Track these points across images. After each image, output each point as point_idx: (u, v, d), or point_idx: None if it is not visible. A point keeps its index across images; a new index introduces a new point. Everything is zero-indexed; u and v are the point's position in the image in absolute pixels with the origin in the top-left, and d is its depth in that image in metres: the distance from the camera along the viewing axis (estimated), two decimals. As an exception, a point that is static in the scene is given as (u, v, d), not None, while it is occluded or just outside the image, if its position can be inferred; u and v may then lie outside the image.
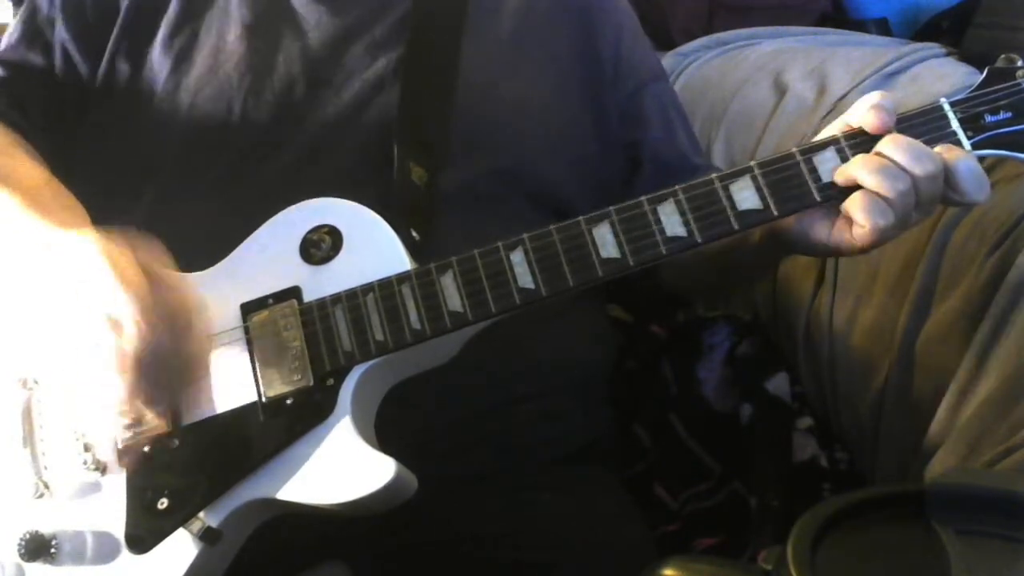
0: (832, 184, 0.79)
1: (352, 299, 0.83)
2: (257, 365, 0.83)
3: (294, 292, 0.85)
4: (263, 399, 0.82)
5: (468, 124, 0.98)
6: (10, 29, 1.09)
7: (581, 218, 0.81)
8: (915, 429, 0.99)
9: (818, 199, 0.79)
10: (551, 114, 1.03)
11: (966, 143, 0.79)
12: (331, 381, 0.82)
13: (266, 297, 0.85)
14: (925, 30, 1.58)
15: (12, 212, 0.89)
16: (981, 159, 0.79)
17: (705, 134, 1.38)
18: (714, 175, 0.80)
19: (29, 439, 0.87)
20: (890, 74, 1.26)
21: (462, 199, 0.96)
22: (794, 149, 0.80)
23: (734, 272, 1.07)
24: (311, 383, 0.82)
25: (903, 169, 0.76)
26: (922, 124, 0.80)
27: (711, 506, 1.11)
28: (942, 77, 1.21)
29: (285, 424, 0.81)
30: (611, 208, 0.81)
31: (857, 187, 0.78)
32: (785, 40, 1.48)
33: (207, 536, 0.80)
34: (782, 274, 1.22)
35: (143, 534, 0.81)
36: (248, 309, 0.85)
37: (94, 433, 0.85)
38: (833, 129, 0.82)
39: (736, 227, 0.79)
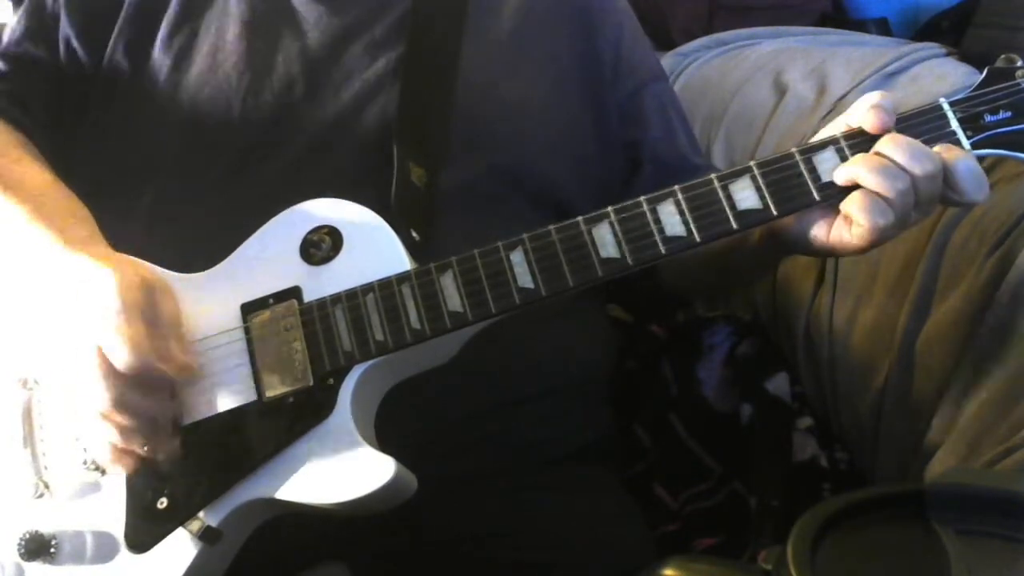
0: (831, 184, 0.79)
1: (352, 299, 0.83)
2: (257, 365, 0.83)
3: (294, 292, 0.85)
4: (263, 399, 0.82)
5: (468, 124, 0.98)
6: (13, 24, 1.08)
7: (581, 218, 0.81)
8: (915, 429, 0.99)
9: (817, 199, 0.79)
10: (551, 114, 1.03)
11: (965, 143, 0.79)
12: (331, 381, 0.82)
13: (266, 297, 0.85)
14: (925, 30, 1.58)
15: (19, 223, 0.89)
16: (981, 159, 0.79)
17: (705, 134, 1.38)
18: (714, 175, 0.80)
19: (29, 439, 0.87)
20: (890, 74, 1.26)
21: (462, 199, 0.96)
22: (794, 149, 0.80)
23: (734, 272, 1.07)
24: (311, 383, 0.82)
25: (902, 169, 0.76)
26: (922, 124, 0.80)
27: (711, 506, 1.11)
28: (942, 77, 1.21)
29: (285, 424, 0.81)
30: (611, 208, 0.81)
31: (856, 187, 0.78)
32: (785, 40, 1.48)
33: (207, 536, 0.80)
34: (782, 274, 1.22)
35: (143, 534, 0.81)
36: (248, 309, 0.85)
37: (89, 440, 0.85)
38: (833, 129, 0.82)
39: (736, 227, 0.79)
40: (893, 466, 1.03)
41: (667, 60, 1.50)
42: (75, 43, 1.04)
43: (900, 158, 0.76)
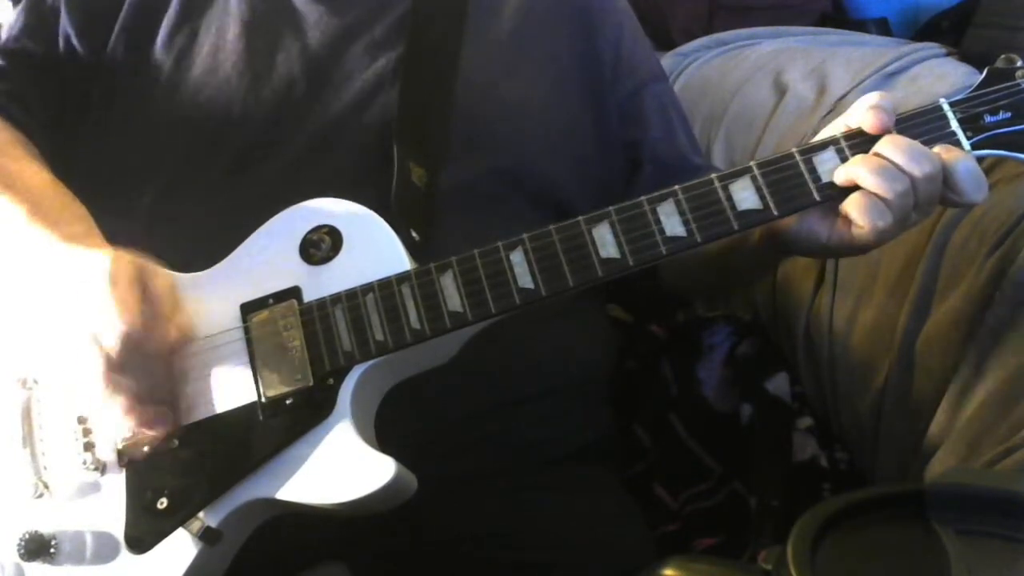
0: (832, 184, 0.79)
1: (352, 299, 0.83)
2: (257, 365, 0.83)
3: (294, 292, 0.85)
4: (263, 399, 0.82)
5: (468, 124, 0.98)
6: (12, 19, 1.08)
7: (581, 218, 0.81)
8: (915, 429, 0.99)
9: (817, 199, 0.79)
10: (551, 114, 1.03)
11: (965, 143, 0.79)
12: (331, 381, 0.82)
13: (266, 297, 0.85)
14: (925, 30, 1.58)
15: (18, 222, 0.89)
16: (980, 159, 0.79)
17: (705, 134, 1.38)
18: (714, 175, 0.80)
19: (29, 439, 0.87)
20: (890, 74, 1.26)
21: (462, 199, 0.96)
22: (794, 149, 0.80)
23: (734, 272, 1.07)
24: (311, 383, 0.82)
25: (901, 170, 0.76)
26: (922, 124, 0.80)
27: (711, 506, 1.11)
28: (942, 77, 1.21)
29: (285, 424, 0.81)
30: (611, 208, 0.81)
31: (856, 187, 0.78)
32: (785, 40, 1.48)
33: (207, 536, 0.80)
34: (782, 274, 1.22)
35: (143, 534, 0.81)
36: (248, 309, 0.85)
37: (100, 429, 0.85)
38: (833, 129, 0.82)
39: (736, 227, 0.79)
40: (893, 466, 1.03)
41: (667, 60, 1.50)
42: (75, 41, 1.04)
43: (899, 159, 0.76)
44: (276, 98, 0.99)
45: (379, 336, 0.81)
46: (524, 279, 0.80)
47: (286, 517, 0.83)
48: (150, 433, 0.83)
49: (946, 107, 0.80)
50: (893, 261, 1.07)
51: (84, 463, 0.85)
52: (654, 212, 0.80)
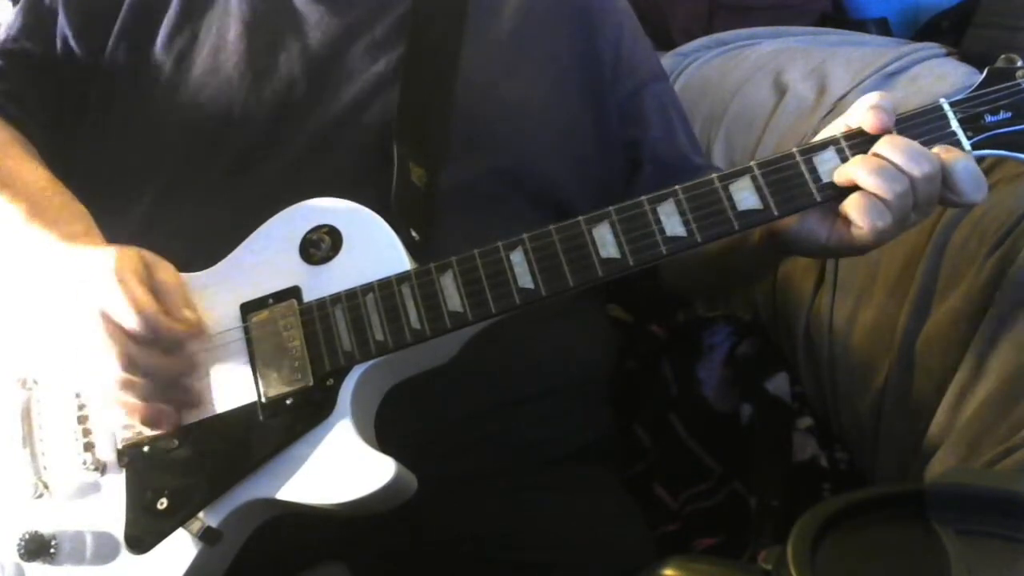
0: (832, 184, 0.79)
1: (352, 299, 0.83)
2: (257, 365, 0.83)
3: (294, 292, 0.85)
4: (263, 399, 0.82)
5: (468, 124, 0.98)
6: (10, 20, 1.08)
7: (581, 218, 0.81)
8: (915, 429, 0.99)
9: (818, 199, 0.79)
10: (551, 114, 1.03)
11: (966, 143, 0.79)
12: (331, 381, 0.82)
13: (266, 297, 0.85)
14: (925, 30, 1.58)
15: (16, 222, 0.90)
16: (980, 159, 0.79)
17: (705, 134, 1.38)
18: (714, 175, 0.80)
19: (28, 439, 0.87)
20: (890, 74, 1.26)
21: (462, 199, 0.96)
22: (794, 149, 0.80)
23: (734, 272, 1.07)
24: (311, 383, 0.82)
25: (900, 170, 0.76)
26: (922, 124, 0.80)
27: (711, 506, 1.11)
28: (942, 77, 1.21)
29: (285, 424, 0.81)
30: (611, 208, 0.81)
31: (856, 187, 0.78)
32: (785, 40, 1.48)
33: (207, 536, 0.80)
34: (782, 274, 1.22)
35: (143, 534, 0.81)
36: (248, 309, 0.85)
37: (100, 429, 0.85)
38: (833, 129, 0.82)
39: (736, 227, 0.79)
40: (893, 466, 1.03)
41: (667, 60, 1.50)
42: (72, 42, 1.04)
43: (898, 160, 0.76)
44: (276, 98, 0.99)
45: (379, 336, 0.81)
46: (524, 279, 0.80)
47: (286, 517, 0.83)
48: (154, 432, 0.83)
49: (946, 107, 0.80)
50: (893, 261, 1.07)
51: (84, 463, 0.85)
52: (654, 212, 0.80)
